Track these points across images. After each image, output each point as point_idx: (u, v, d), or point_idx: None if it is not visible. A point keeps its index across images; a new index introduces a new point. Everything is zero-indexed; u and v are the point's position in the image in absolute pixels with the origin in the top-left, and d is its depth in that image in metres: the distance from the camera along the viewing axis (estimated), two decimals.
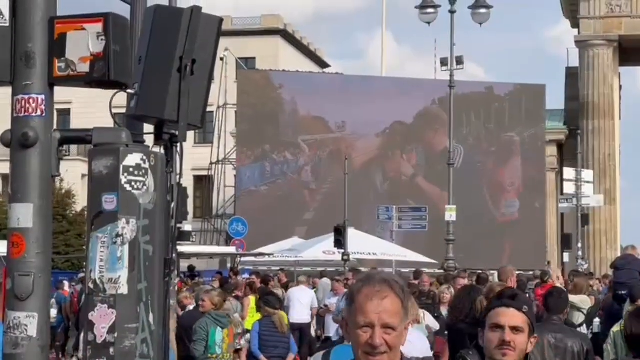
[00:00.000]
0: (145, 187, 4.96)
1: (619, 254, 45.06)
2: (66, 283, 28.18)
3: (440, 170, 36.39)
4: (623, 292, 12.63)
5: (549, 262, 47.20)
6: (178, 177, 5.68)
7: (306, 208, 49.72)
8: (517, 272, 17.60)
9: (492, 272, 26.04)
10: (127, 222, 4.88)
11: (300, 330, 20.02)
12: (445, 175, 35.11)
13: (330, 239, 33.98)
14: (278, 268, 33.86)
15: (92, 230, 4.93)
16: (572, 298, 12.22)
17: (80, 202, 53.78)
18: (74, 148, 53.50)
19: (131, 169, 4.94)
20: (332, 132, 51.55)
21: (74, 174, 51.91)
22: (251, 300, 19.89)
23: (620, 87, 60.41)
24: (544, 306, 9.31)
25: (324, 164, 50.35)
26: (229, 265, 35.71)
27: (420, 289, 18.20)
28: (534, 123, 52.97)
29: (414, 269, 25.98)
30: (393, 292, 3.77)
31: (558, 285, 17.58)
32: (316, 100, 50.17)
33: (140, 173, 4.96)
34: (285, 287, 25.32)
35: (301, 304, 21.43)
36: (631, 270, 12.66)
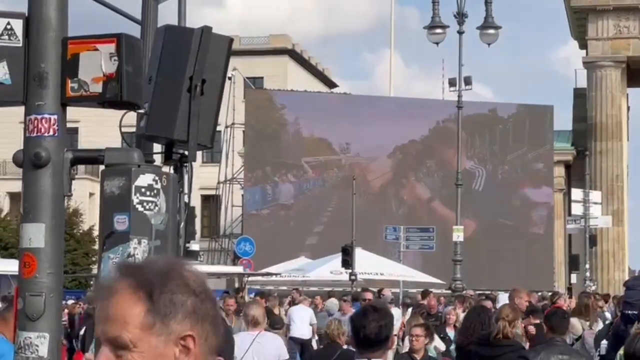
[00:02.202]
0: (157, 208, 4.94)
1: (627, 275, 44.86)
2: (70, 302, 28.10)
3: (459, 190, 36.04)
4: (630, 312, 12.56)
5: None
6: (186, 196, 5.67)
7: (313, 230, 49.42)
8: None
9: (497, 292, 26.00)
10: (139, 243, 4.87)
11: (301, 345, 20.67)
12: (465, 195, 34.85)
13: (337, 258, 33.94)
14: (285, 287, 33.81)
15: (103, 251, 4.92)
16: None
17: (88, 220, 53.74)
18: (81, 166, 53.27)
19: (143, 190, 4.92)
20: (336, 153, 51.18)
21: (81, 192, 51.87)
22: None
23: (628, 108, 60.35)
24: (547, 327, 9.31)
25: (334, 186, 49.91)
26: (236, 284, 35.62)
27: (429, 311, 18.28)
28: (541, 144, 52.83)
29: (421, 289, 25.97)
30: (126, 288, 2.16)
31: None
32: (320, 121, 49.79)
33: (152, 193, 4.94)
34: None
35: (302, 321, 22.11)
36: None
